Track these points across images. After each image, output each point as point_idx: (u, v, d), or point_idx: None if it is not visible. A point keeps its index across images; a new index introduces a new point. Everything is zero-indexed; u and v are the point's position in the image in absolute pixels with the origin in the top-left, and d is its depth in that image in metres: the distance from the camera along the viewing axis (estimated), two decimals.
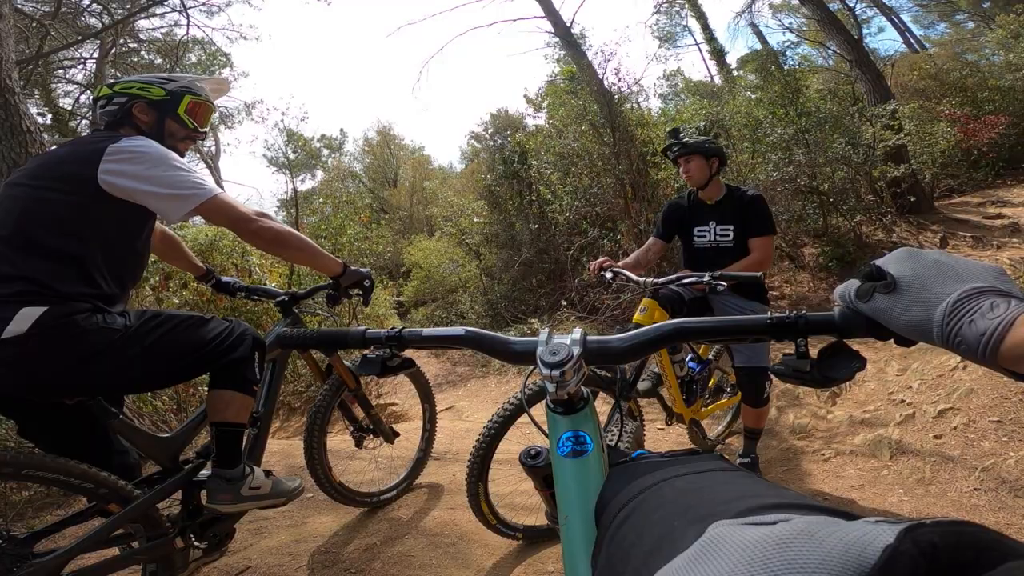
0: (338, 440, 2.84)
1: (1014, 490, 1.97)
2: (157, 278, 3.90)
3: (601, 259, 2.29)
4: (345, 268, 1.64)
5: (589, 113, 6.59)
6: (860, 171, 5.97)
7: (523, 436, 1.78)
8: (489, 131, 9.42)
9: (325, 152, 19.20)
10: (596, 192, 6.49)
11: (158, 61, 8.96)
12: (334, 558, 1.85)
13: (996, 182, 8.50)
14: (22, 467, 1.18)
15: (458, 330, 0.67)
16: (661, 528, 0.38)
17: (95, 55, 8.03)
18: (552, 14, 8.21)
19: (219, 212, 1.36)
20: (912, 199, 6.35)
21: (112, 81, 1.51)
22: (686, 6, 13.85)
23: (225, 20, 23.54)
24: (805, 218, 6.05)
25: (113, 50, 7.92)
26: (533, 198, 7.23)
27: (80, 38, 6.71)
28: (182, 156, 1.49)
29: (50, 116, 8.27)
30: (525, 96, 9.79)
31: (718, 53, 13.20)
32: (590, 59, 7.32)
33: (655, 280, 2.06)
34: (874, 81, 7.47)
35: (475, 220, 7.97)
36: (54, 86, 8.36)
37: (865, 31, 12.28)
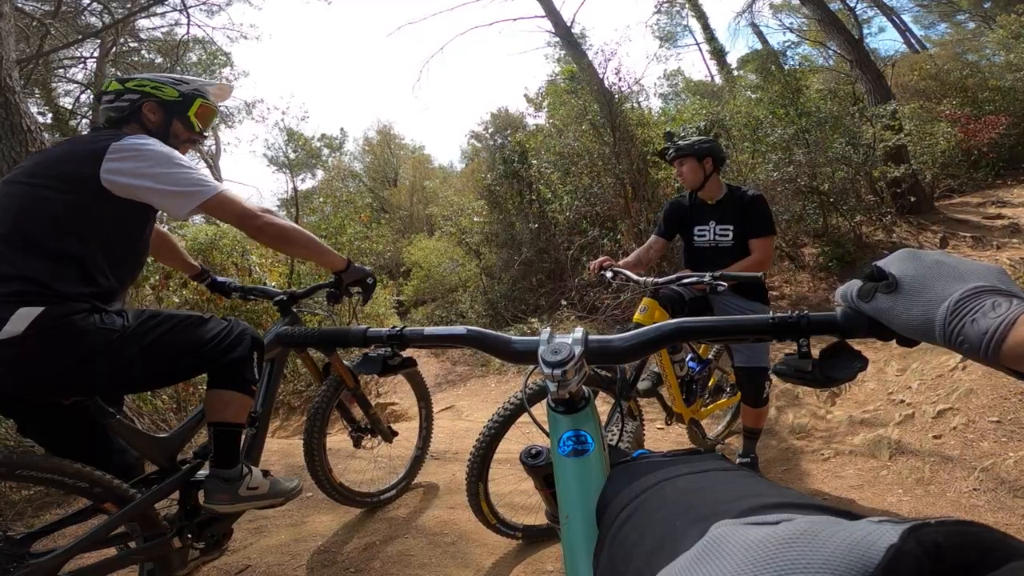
0: (338, 440, 2.84)
1: (1013, 490, 1.97)
2: (157, 277, 3.90)
3: (601, 258, 2.29)
4: (349, 264, 1.65)
5: (589, 113, 6.59)
6: (860, 171, 5.97)
7: (523, 435, 1.78)
8: (489, 130, 9.43)
9: (325, 151, 19.19)
10: (596, 192, 6.49)
11: (159, 60, 8.96)
12: (334, 557, 1.85)
13: (996, 182, 8.50)
14: (16, 467, 1.18)
15: (460, 329, 0.67)
16: (663, 528, 0.38)
17: (95, 54, 8.03)
18: (552, 14, 8.20)
19: (224, 208, 1.36)
20: (912, 199, 6.36)
21: (124, 77, 1.50)
22: (687, 6, 13.85)
23: (225, 19, 23.56)
24: (805, 218, 6.05)
25: (113, 49, 7.92)
26: (533, 197, 7.22)
27: (80, 37, 6.70)
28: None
29: (50, 115, 8.26)
30: (525, 96, 9.79)
31: (718, 53, 13.20)
32: (590, 59, 7.31)
33: (655, 280, 2.06)
34: (874, 81, 7.47)
35: (475, 219, 7.97)
36: (54, 85, 8.35)
37: (866, 31, 12.29)
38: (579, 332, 0.59)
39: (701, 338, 0.60)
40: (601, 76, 6.90)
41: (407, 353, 0.71)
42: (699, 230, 2.34)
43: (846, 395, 3.16)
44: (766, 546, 0.26)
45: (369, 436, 2.16)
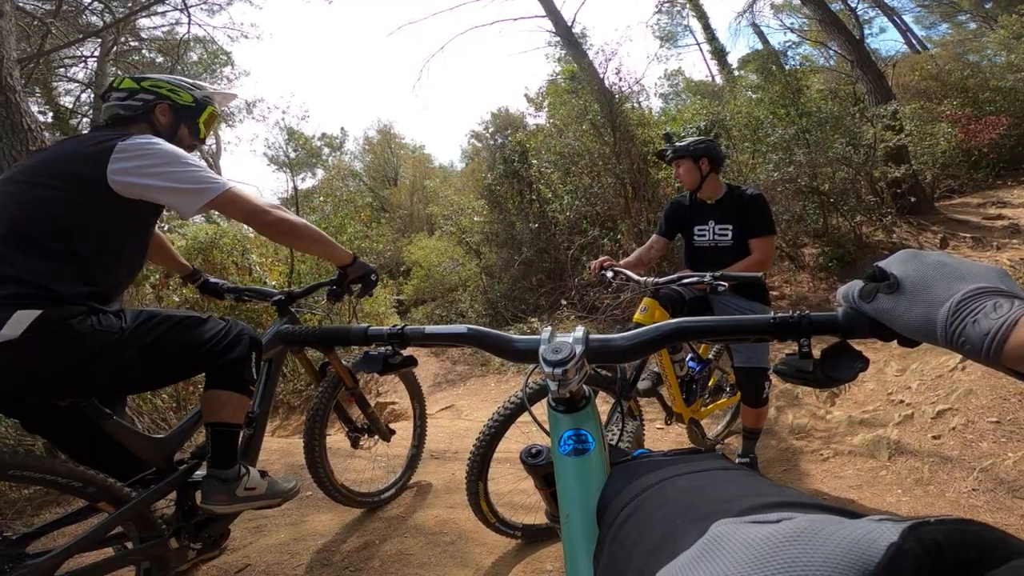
0: (337, 439, 2.85)
1: (1012, 491, 1.97)
2: (157, 276, 3.90)
3: (602, 258, 2.29)
4: (355, 259, 1.66)
5: (590, 112, 6.58)
6: (861, 171, 5.97)
7: (523, 435, 1.78)
8: (490, 130, 9.42)
9: (326, 151, 19.19)
10: (596, 191, 6.49)
11: (159, 59, 8.95)
12: (333, 556, 1.85)
13: (997, 183, 8.50)
14: (8, 467, 1.18)
15: (461, 328, 0.67)
16: (664, 527, 0.38)
17: (96, 53, 8.02)
18: (553, 13, 8.20)
19: (233, 205, 1.36)
20: (912, 200, 6.35)
21: (140, 76, 1.49)
22: (687, 6, 13.84)
23: (226, 19, 23.50)
24: (805, 218, 6.05)
25: (114, 48, 7.92)
26: (533, 197, 7.22)
27: (81, 36, 6.70)
28: None
29: (51, 114, 8.26)
30: (526, 95, 9.78)
31: (719, 53, 13.20)
32: (591, 58, 7.31)
33: (656, 280, 2.06)
34: (875, 81, 7.46)
35: (475, 219, 7.97)
36: (55, 84, 8.35)
37: (867, 31, 12.29)
38: (580, 331, 0.59)
39: (702, 338, 0.60)
40: (602, 76, 6.90)
41: (408, 352, 0.71)
42: (699, 230, 2.34)
43: (845, 395, 3.16)
44: (767, 544, 0.26)
45: (366, 436, 2.16)
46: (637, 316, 2.05)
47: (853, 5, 9.98)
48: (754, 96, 7.29)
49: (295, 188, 8.77)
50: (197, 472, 1.52)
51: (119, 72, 8.43)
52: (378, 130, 21.82)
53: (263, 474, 1.60)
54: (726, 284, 1.84)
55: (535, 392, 1.68)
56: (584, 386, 0.59)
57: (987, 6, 14.48)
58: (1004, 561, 0.22)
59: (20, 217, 1.23)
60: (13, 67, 2.59)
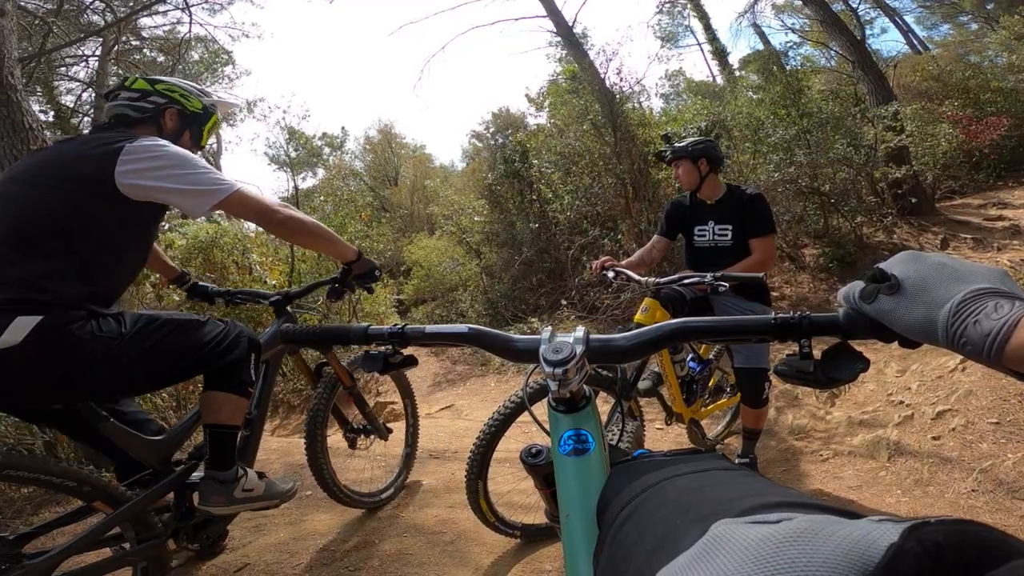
0: (336, 439, 2.85)
1: (1012, 492, 1.97)
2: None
3: (603, 258, 2.29)
4: (359, 255, 1.67)
5: (590, 112, 6.58)
6: (861, 172, 5.97)
7: (523, 435, 1.78)
8: (490, 130, 9.42)
9: (326, 150, 19.19)
10: (597, 191, 6.48)
11: (161, 59, 8.95)
12: (332, 556, 1.85)
13: (997, 184, 8.50)
14: (2, 467, 1.18)
15: (461, 327, 0.67)
16: (664, 527, 0.38)
17: (97, 53, 8.02)
18: (554, 13, 8.19)
19: (243, 205, 1.37)
20: (913, 200, 6.34)
21: (153, 78, 1.49)
22: (688, 6, 13.84)
23: (227, 18, 23.53)
24: (806, 219, 6.05)
25: (116, 48, 7.92)
26: (534, 197, 7.22)
27: (83, 35, 6.69)
28: None
29: (52, 113, 8.26)
30: (527, 95, 9.79)
31: (720, 53, 13.19)
32: (592, 59, 7.31)
33: (657, 280, 2.06)
34: (876, 82, 7.46)
35: (476, 219, 7.97)
36: (56, 83, 8.34)
37: (868, 32, 12.27)
38: (580, 331, 0.59)
39: (703, 338, 0.60)
40: (602, 76, 6.89)
41: (408, 351, 0.71)
42: (699, 230, 2.34)
43: (845, 396, 3.16)
44: (767, 545, 0.26)
45: (362, 436, 2.16)
46: (638, 316, 2.05)
47: (854, 6, 9.97)
48: (755, 96, 7.29)
49: (296, 187, 8.79)
50: (195, 473, 1.52)
51: (120, 71, 8.44)
52: (379, 130, 21.83)
53: (261, 475, 1.60)
54: (727, 284, 1.84)
55: (535, 392, 1.68)
56: (584, 386, 0.59)
57: (988, 7, 14.46)
58: (1004, 561, 0.22)
59: (21, 218, 1.22)
60: (14, 66, 2.59)
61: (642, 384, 2.20)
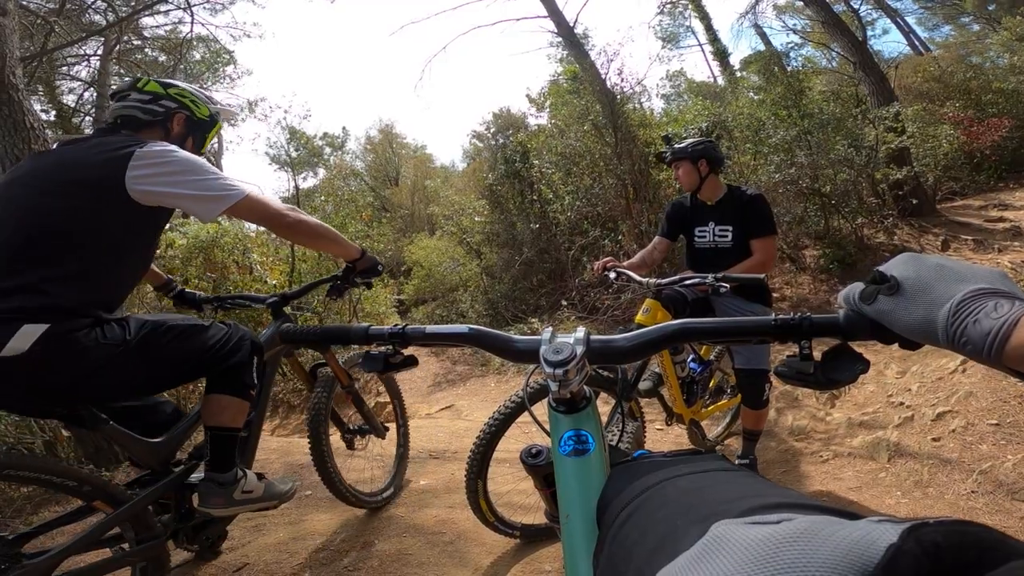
0: (334, 440, 2.86)
1: (1011, 493, 1.97)
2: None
3: (605, 259, 2.29)
4: (363, 253, 1.71)
5: (591, 113, 6.58)
6: (862, 173, 5.96)
7: (523, 435, 1.78)
8: (491, 130, 9.42)
9: (327, 150, 19.19)
10: (598, 192, 6.48)
11: (162, 59, 8.95)
12: (332, 556, 1.85)
13: (998, 185, 8.50)
14: (3, 467, 1.18)
15: (462, 328, 0.67)
16: (664, 527, 0.38)
17: (99, 52, 8.02)
18: (555, 14, 8.19)
19: (252, 210, 1.38)
20: (914, 202, 6.34)
21: (166, 82, 1.50)
22: (689, 7, 13.83)
23: (229, 18, 23.50)
24: (806, 220, 6.05)
25: (117, 47, 7.92)
26: (534, 198, 7.22)
27: (84, 35, 6.69)
28: None
29: (54, 113, 8.26)
30: (527, 96, 9.78)
31: (721, 54, 13.17)
32: (593, 59, 7.31)
33: (658, 281, 2.06)
34: (878, 83, 7.45)
35: (476, 219, 7.97)
36: (58, 83, 8.35)
37: (869, 33, 12.27)
38: (581, 332, 0.59)
39: (703, 339, 0.60)
40: (603, 76, 6.90)
41: (408, 351, 0.71)
42: (699, 231, 2.34)
43: (845, 397, 3.16)
44: (767, 545, 0.26)
45: (359, 437, 2.16)
46: (639, 317, 2.05)
47: (856, 7, 9.97)
48: (756, 97, 7.29)
49: (296, 187, 8.79)
50: (194, 474, 1.52)
51: (122, 71, 8.44)
52: (380, 130, 21.85)
53: (260, 476, 1.61)
54: (728, 286, 1.84)
55: (535, 392, 1.68)
56: (585, 387, 0.59)
57: (990, 8, 14.46)
58: (1003, 562, 0.22)
59: (27, 223, 1.21)
60: (16, 65, 2.59)
61: (643, 385, 2.20)
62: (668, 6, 13.63)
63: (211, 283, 4.55)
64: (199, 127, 1.54)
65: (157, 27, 8.92)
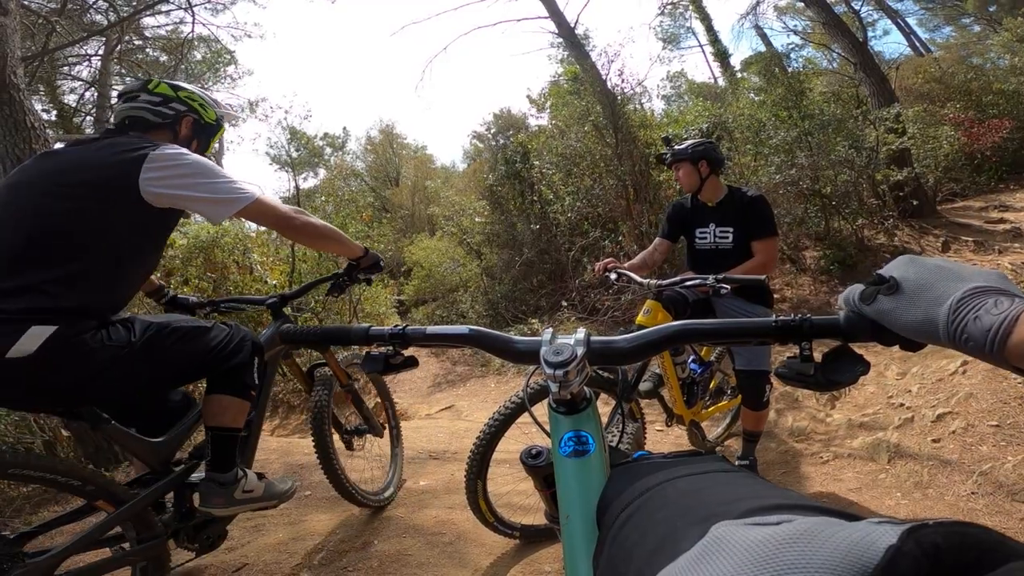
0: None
1: (1011, 494, 1.97)
2: (157, 275, 3.91)
3: (606, 260, 2.29)
4: (366, 251, 1.76)
5: (592, 114, 6.59)
6: (863, 174, 5.96)
7: (523, 435, 1.78)
8: (492, 131, 9.41)
9: (328, 150, 19.22)
10: (598, 193, 6.48)
11: (163, 59, 8.96)
12: (331, 556, 1.85)
13: (999, 186, 8.49)
14: (8, 466, 1.18)
15: (462, 329, 0.67)
16: (664, 528, 0.39)
17: (100, 52, 8.03)
18: (556, 14, 8.20)
19: (262, 213, 1.41)
20: (915, 203, 6.34)
21: (176, 84, 1.51)
22: (690, 8, 13.84)
23: (230, 18, 23.47)
24: (807, 221, 6.04)
25: (118, 47, 7.93)
26: (535, 198, 7.22)
27: (86, 35, 6.70)
28: None
29: (55, 112, 8.27)
30: (528, 96, 9.81)
31: (722, 55, 13.18)
32: (593, 60, 7.32)
33: (659, 282, 2.06)
34: (878, 84, 7.45)
35: (476, 220, 7.97)
36: (59, 83, 8.35)
37: (870, 34, 12.25)
38: (581, 333, 0.59)
39: (705, 340, 0.61)
40: (604, 77, 6.90)
41: (409, 352, 0.71)
42: (700, 232, 2.34)
43: (845, 398, 3.16)
44: (766, 546, 0.26)
45: (357, 438, 2.16)
46: (640, 318, 2.05)
47: (857, 7, 9.96)
48: (756, 98, 7.30)
49: (297, 188, 8.79)
50: (195, 474, 1.52)
51: (123, 71, 8.45)
52: (380, 130, 21.84)
53: (260, 476, 1.61)
54: (728, 287, 1.84)
55: (536, 392, 1.68)
56: (585, 388, 0.59)
57: (991, 9, 14.47)
58: (1002, 563, 0.22)
59: (36, 224, 1.20)
60: (17, 65, 2.59)
61: (643, 385, 2.19)
62: (669, 7, 13.64)
63: (211, 283, 4.56)
64: (205, 131, 1.55)
65: (158, 27, 8.94)
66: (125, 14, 6.97)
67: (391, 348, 0.70)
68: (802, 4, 9.81)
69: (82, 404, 1.30)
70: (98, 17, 7.39)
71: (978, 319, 0.38)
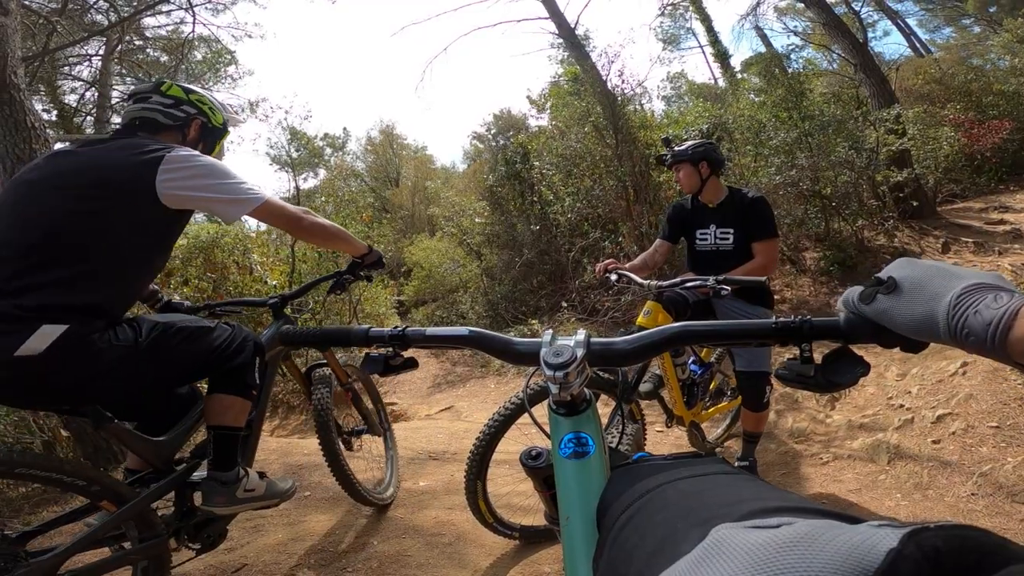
0: None
1: (1011, 495, 1.96)
2: (158, 275, 3.91)
3: (606, 261, 2.29)
4: (370, 249, 1.81)
5: (592, 114, 6.59)
6: (863, 175, 5.96)
7: (523, 436, 1.78)
8: (492, 131, 9.43)
9: (328, 151, 19.22)
10: (598, 194, 6.48)
11: (164, 59, 8.95)
12: (330, 557, 1.85)
13: (999, 188, 8.49)
14: (15, 465, 1.18)
15: (462, 330, 0.67)
16: (664, 530, 0.38)
17: (101, 52, 8.03)
18: (556, 15, 8.20)
19: (271, 214, 1.44)
20: (915, 204, 6.34)
21: (187, 87, 1.53)
22: (690, 8, 13.85)
23: (231, 18, 23.44)
24: (807, 222, 6.04)
25: (119, 47, 7.92)
26: (535, 199, 7.22)
27: (86, 35, 6.70)
28: None
29: (55, 112, 8.27)
30: (528, 97, 9.82)
31: (722, 56, 13.19)
32: (594, 61, 7.32)
33: (659, 283, 2.06)
34: (878, 85, 7.46)
35: (476, 220, 7.97)
36: (59, 83, 8.35)
37: (870, 35, 12.26)
38: (581, 334, 0.59)
39: (705, 342, 0.61)
40: (604, 78, 6.90)
41: (409, 353, 0.71)
42: (700, 233, 2.34)
43: (845, 399, 3.16)
44: (766, 549, 0.26)
45: (356, 438, 2.16)
46: (640, 319, 2.05)
47: (857, 8, 9.97)
48: (757, 99, 7.30)
49: (297, 188, 8.79)
50: (196, 473, 1.53)
51: (124, 71, 8.45)
52: (380, 130, 21.86)
53: (261, 475, 1.61)
54: (729, 288, 1.84)
55: (535, 393, 1.68)
56: (585, 389, 0.59)
57: (991, 10, 14.47)
58: (1003, 566, 0.22)
59: (47, 224, 1.20)
60: (18, 65, 2.59)
61: (643, 386, 2.19)
62: (669, 8, 13.64)
63: (211, 283, 4.56)
64: (212, 134, 1.58)
65: (159, 27, 8.93)
66: (126, 14, 6.98)
67: (391, 349, 0.70)
68: (802, 5, 9.82)
69: (87, 403, 1.31)
70: (99, 17, 7.38)
71: (978, 313, 0.38)
